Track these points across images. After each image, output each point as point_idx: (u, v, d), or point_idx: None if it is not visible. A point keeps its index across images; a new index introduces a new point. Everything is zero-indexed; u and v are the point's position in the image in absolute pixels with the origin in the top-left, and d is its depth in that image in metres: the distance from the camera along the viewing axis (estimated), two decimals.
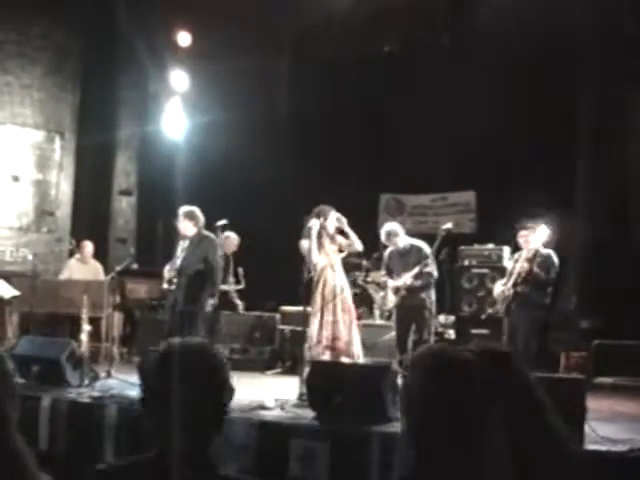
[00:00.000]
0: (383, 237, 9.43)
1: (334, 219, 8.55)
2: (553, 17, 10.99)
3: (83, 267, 11.66)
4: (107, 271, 11.15)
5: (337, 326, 8.39)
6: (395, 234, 9.32)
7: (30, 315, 10.45)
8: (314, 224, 8.32)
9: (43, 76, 13.05)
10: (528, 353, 8.51)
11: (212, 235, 9.36)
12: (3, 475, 2.61)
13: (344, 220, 8.68)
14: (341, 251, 8.66)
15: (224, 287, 10.63)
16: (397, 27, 13.00)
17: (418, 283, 9.11)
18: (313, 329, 8.30)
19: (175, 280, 8.89)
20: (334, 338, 8.37)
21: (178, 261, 8.93)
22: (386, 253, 9.63)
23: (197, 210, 9.13)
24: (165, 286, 9.01)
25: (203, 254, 8.97)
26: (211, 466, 2.35)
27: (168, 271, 9.01)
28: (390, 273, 9.44)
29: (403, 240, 9.36)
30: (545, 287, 8.75)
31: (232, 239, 11.10)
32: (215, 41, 12.63)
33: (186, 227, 9.02)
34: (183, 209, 9.12)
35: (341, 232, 8.71)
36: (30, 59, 12.93)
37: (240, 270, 11.20)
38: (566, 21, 11.04)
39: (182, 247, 9.01)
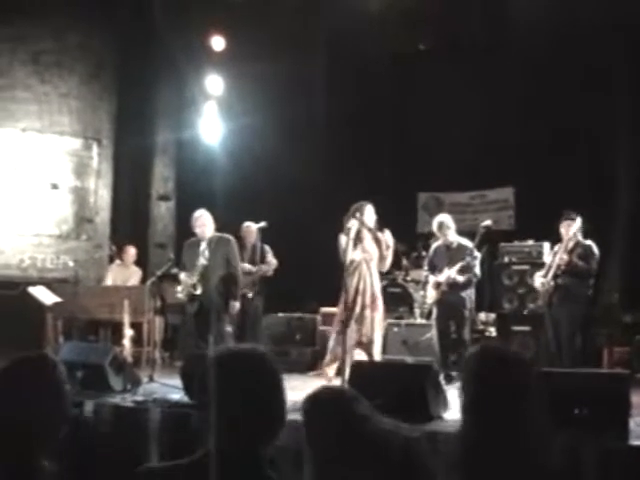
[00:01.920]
0: (435, 227, 9.41)
1: (371, 212, 8.54)
2: (587, 7, 10.89)
3: (122, 271, 11.72)
4: (147, 276, 11.19)
5: (364, 322, 8.35)
6: (447, 226, 9.30)
7: (72, 321, 10.54)
8: (353, 224, 8.30)
9: (80, 84, 13.15)
10: (572, 349, 8.43)
11: (228, 235, 9.36)
12: None
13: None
14: (378, 242, 8.56)
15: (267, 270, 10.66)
16: (432, 25, 12.96)
17: (461, 279, 9.07)
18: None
19: (199, 284, 8.84)
20: (361, 334, 8.33)
21: (201, 262, 8.85)
22: (432, 248, 9.61)
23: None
24: (192, 291, 8.85)
25: (225, 256, 9.01)
26: (261, 468, 2.31)
27: (189, 277, 8.90)
28: (433, 269, 9.40)
29: (453, 235, 9.33)
30: (586, 278, 8.64)
31: (252, 228, 10.74)
32: (249, 44, 12.64)
33: (208, 230, 9.05)
34: (200, 212, 9.17)
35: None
36: (68, 68, 13.03)
37: (266, 247, 10.79)
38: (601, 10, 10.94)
39: (199, 250, 8.92)
